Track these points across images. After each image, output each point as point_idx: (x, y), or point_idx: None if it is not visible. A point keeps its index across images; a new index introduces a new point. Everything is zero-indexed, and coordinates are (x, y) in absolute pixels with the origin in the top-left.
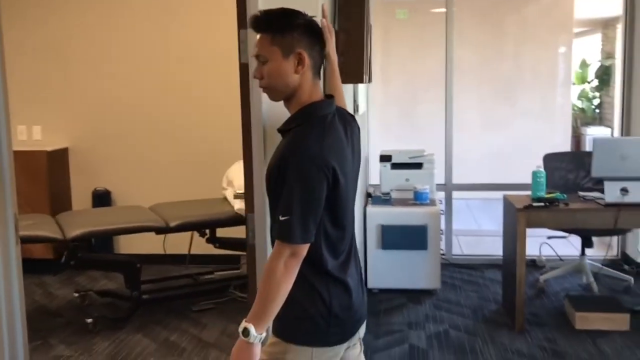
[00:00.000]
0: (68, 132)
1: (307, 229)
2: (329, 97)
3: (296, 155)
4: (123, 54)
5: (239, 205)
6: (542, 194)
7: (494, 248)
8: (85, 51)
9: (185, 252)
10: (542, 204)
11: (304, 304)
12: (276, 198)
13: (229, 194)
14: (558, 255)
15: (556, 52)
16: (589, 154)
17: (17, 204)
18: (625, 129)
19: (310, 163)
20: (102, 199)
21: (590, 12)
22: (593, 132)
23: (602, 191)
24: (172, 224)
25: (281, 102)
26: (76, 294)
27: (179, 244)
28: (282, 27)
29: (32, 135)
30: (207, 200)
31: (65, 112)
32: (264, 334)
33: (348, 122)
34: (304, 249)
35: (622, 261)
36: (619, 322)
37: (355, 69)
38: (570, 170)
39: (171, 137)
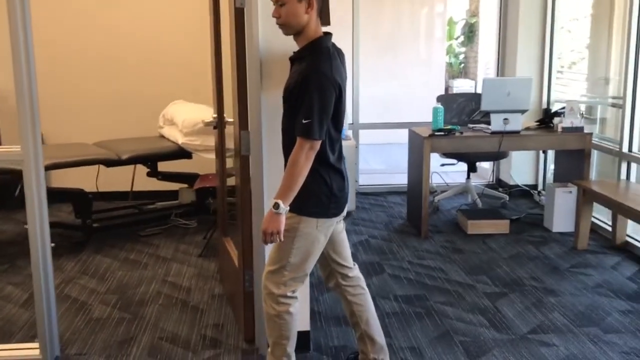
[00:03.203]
0: None
1: (322, 129)
2: (327, 34)
3: (314, 76)
4: None
5: (183, 139)
6: (441, 125)
7: (388, 181)
8: None
9: (115, 190)
10: (442, 133)
11: (313, 187)
12: (296, 108)
13: (166, 131)
14: (446, 183)
15: (433, 11)
16: (475, 95)
17: None
18: (500, 74)
19: (325, 81)
20: None
21: None
22: (458, 85)
23: (487, 123)
24: (124, 156)
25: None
26: (26, 226)
27: (109, 182)
28: None
29: None
30: (146, 137)
31: None
32: (287, 208)
33: (339, 52)
34: (318, 144)
35: (497, 185)
36: (502, 226)
37: (325, 12)
38: (459, 110)
39: (103, 79)
